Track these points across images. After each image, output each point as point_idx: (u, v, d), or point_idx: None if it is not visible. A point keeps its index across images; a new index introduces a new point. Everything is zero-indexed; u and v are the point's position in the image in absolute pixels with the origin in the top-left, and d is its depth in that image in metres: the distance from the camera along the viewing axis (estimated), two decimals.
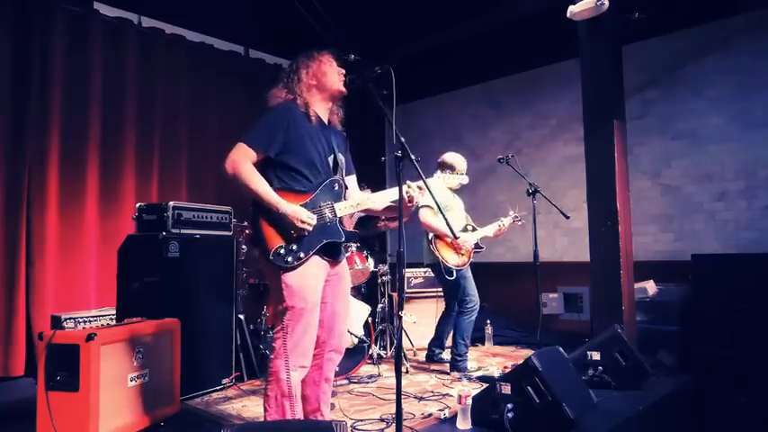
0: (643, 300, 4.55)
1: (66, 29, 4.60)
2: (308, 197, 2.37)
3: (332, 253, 2.45)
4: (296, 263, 2.30)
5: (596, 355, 3.42)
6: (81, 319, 3.73)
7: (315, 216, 2.33)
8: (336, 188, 2.47)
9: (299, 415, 2.36)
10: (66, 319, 3.70)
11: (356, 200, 2.51)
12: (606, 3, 3.57)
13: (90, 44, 4.74)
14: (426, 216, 4.15)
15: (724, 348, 3.84)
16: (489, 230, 4.38)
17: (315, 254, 2.35)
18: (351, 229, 2.54)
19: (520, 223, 4.48)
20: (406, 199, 2.35)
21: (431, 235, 4.17)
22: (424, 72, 6.60)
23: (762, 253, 4.69)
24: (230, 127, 5.68)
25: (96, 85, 4.77)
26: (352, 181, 2.70)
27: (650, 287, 4.68)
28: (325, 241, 2.37)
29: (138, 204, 3.74)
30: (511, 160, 4.54)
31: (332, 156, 2.52)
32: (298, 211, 2.28)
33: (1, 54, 4.26)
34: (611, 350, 3.41)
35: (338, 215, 2.42)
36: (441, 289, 5.23)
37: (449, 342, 4.43)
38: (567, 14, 3.75)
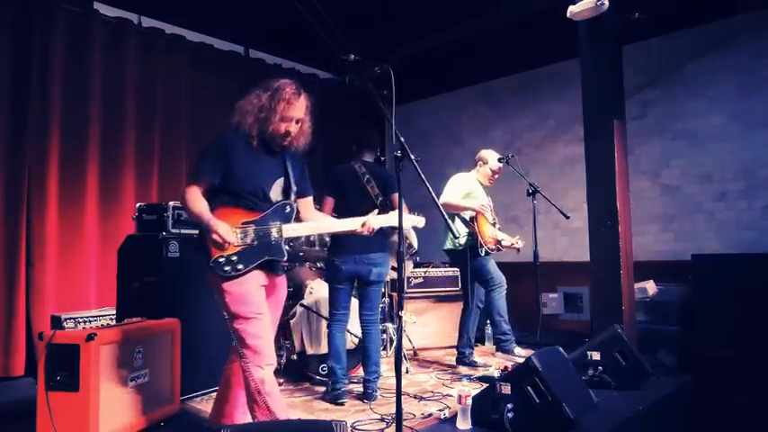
0: (643, 300, 4.55)
1: (66, 29, 4.60)
2: (258, 215, 2.46)
3: (271, 269, 2.53)
4: (233, 273, 2.36)
5: (596, 355, 3.42)
6: (81, 319, 3.73)
7: (238, 233, 2.39)
8: (288, 210, 2.55)
9: (282, 409, 2.38)
10: (66, 319, 3.70)
11: (306, 225, 2.65)
12: (606, 3, 3.57)
13: (90, 44, 4.74)
14: (446, 197, 4.28)
15: (724, 348, 3.84)
16: (506, 239, 4.53)
17: (254, 268, 2.42)
18: None
19: (520, 245, 4.60)
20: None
21: (467, 215, 4.30)
22: (423, 72, 6.60)
23: (762, 253, 4.69)
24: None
25: (96, 85, 4.77)
26: (306, 204, 2.75)
27: (650, 287, 4.68)
28: (266, 258, 2.45)
29: (138, 204, 3.74)
30: (511, 160, 4.56)
31: (281, 179, 2.58)
32: (217, 225, 2.32)
33: (1, 54, 4.26)
34: (611, 350, 3.41)
35: (284, 236, 2.49)
36: (441, 289, 5.28)
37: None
38: (567, 14, 3.76)
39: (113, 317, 3.73)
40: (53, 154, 4.47)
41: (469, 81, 7.06)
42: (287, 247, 2.53)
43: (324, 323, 3.74)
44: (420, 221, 2.91)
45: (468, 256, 4.25)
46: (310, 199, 2.78)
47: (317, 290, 4.20)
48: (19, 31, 4.35)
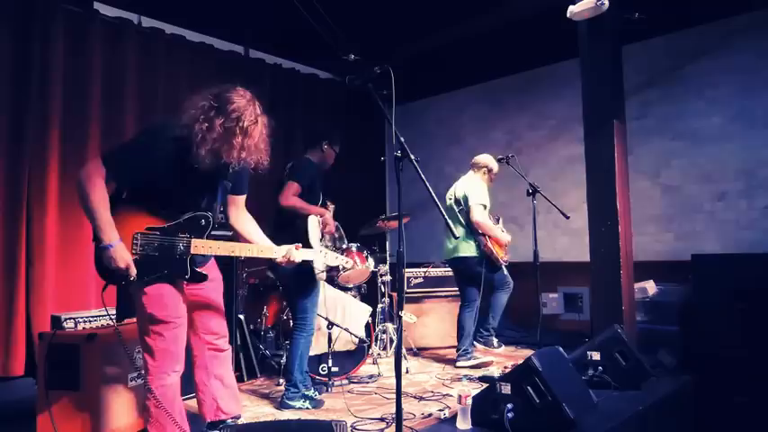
0: (643, 300, 4.55)
1: (66, 29, 4.59)
2: (166, 223, 2.26)
3: (180, 278, 2.32)
4: (125, 284, 2.18)
5: (596, 355, 3.42)
6: (81, 319, 3.72)
7: (139, 240, 2.19)
8: (203, 224, 2.32)
9: (182, 418, 2.30)
10: (66, 319, 3.68)
11: (220, 245, 2.36)
12: (606, 3, 3.57)
13: (90, 44, 4.74)
14: (481, 215, 4.31)
15: (724, 348, 3.84)
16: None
17: (157, 280, 2.23)
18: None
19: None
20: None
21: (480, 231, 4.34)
22: (424, 72, 6.60)
23: (762, 253, 4.69)
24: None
25: (96, 85, 4.77)
26: (236, 202, 2.56)
27: (650, 287, 4.68)
28: (165, 272, 2.25)
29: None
30: (511, 160, 4.57)
31: (212, 193, 2.38)
32: (119, 257, 2.11)
33: (1, 54, 4.26)
34: (611, 350, 3.41)
35: (191, 252, 2.28)
36: (441, 289, 5.29)
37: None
38: (567, 14, 3.75)
39: (113, 317, 3.73)
40: (53, 154, 4.46)
41: (469, 81, 7.06)
42: (193, 267, 2.30)
43: (323, 323, 3.74)
44: (347, 262, 2.75)
45: (485, 266, 4.33)
46: (242, 198, 2.56)
47: None
48: (19, 31, 4.35)
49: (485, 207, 4.38)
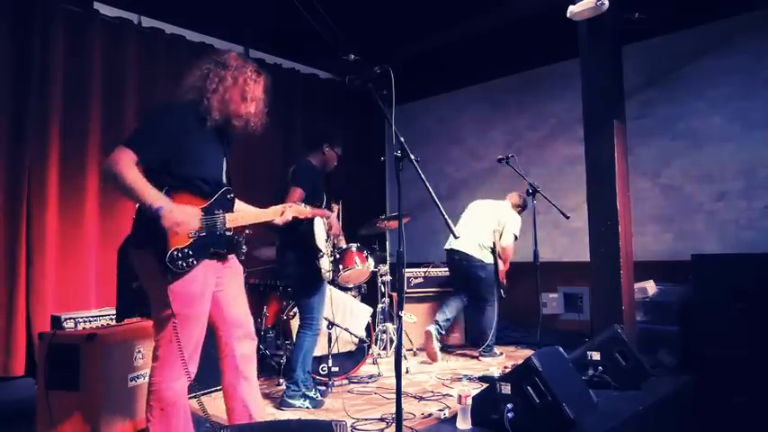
0: (643, 300, 4.56)
1: (66, 29, 4.59)
2: (207, 202, 2.27)
3: (217, 256, 2.36)
4: (187, 269, 2.15)
5: (596, 355, 3.42)
6: (81, 319, 3.72)
7: (198, 220, 2.20)
8: (229, 197, 2.38)
9: (188, 423, 2.24)
10: (66, 319, 3.68)
11: (244, 215, 2.44)
12: (606, 3, 3.57)
13: (90, 44, 4.74)
14: (511, 243, 4.79)
15: (724, 348, 3.84)
16: None
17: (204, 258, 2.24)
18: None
19: None
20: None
21: (498, 247, 4.81)
22: (424, 72, 6.60)
23: (762, 253, 4.69)
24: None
25: (96, 85, 4.77)
26: None
27: (650, 287, 4.69)
28: (212, 250, 2.28)
29: (138, 205, 3.73)
30: (511, 160, 4.57)
31: (224, 158, 2.42)
32: (180, 211, 2.10)
33: (1, 54, 4.26)
34: (611, 350, 3.41)
35: (227, 226, 2.32)
36: (442, 289, 5.31)
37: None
38: (567, 14, 3.75)
39: (113, 317, 3.73)
40: (53, 154, 4.46)
41: (469, 81, 7.06)
42: (231, 234, 2.36)
43: (324, 323, 3.75)
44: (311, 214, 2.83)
45: (491, 279, 4.74)
46: None
47: None
48: (19, 31, 4.35)
49: (516, 238, 4.82)
